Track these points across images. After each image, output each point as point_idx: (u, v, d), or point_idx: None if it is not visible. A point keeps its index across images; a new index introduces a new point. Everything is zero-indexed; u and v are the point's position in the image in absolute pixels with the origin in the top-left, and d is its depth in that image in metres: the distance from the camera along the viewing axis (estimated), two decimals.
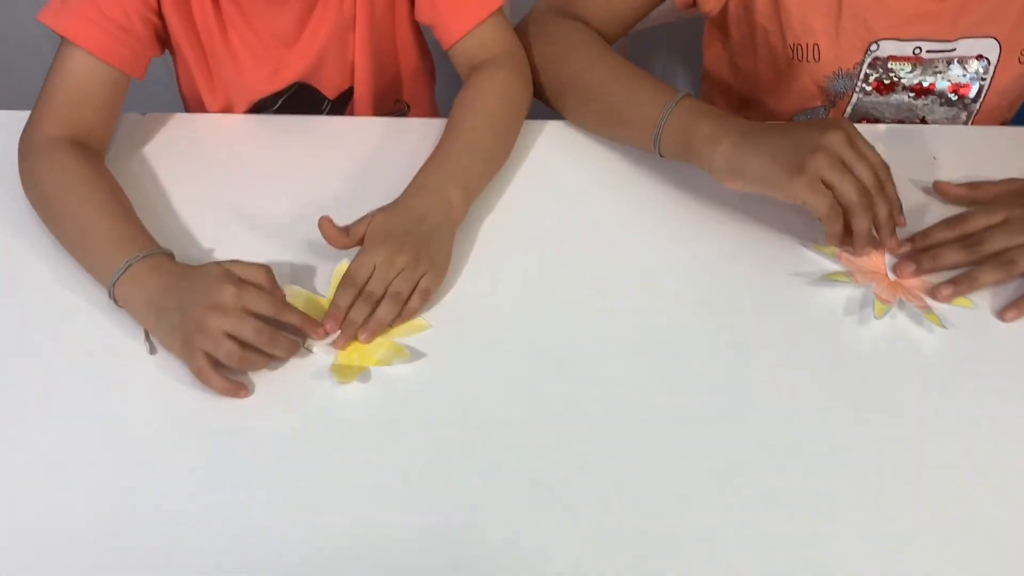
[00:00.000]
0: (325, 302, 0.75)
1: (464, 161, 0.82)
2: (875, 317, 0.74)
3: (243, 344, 0.69)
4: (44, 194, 0.80)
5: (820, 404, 0.70)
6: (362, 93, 1.01)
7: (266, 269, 0.73)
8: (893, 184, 0.75)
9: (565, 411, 0.69)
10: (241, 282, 0.71)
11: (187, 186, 0.86)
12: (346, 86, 1.01)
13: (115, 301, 0.74)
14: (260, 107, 0.99)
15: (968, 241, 0.77)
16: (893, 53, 0.91)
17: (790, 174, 0.72)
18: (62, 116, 0.83)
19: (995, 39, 0.90)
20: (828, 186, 0.72)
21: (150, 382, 0.71)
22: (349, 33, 0.96)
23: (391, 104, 1.08)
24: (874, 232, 0.75)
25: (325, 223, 0.76)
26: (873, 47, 0.91)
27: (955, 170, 0.86)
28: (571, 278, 0.78)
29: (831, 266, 0.78)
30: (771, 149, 0.74)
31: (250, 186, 0.86)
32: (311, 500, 0.64)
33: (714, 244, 0.80)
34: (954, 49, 0.91)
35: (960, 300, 0.76)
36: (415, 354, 0.73)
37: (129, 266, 0.73)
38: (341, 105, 1.03)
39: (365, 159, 0.89)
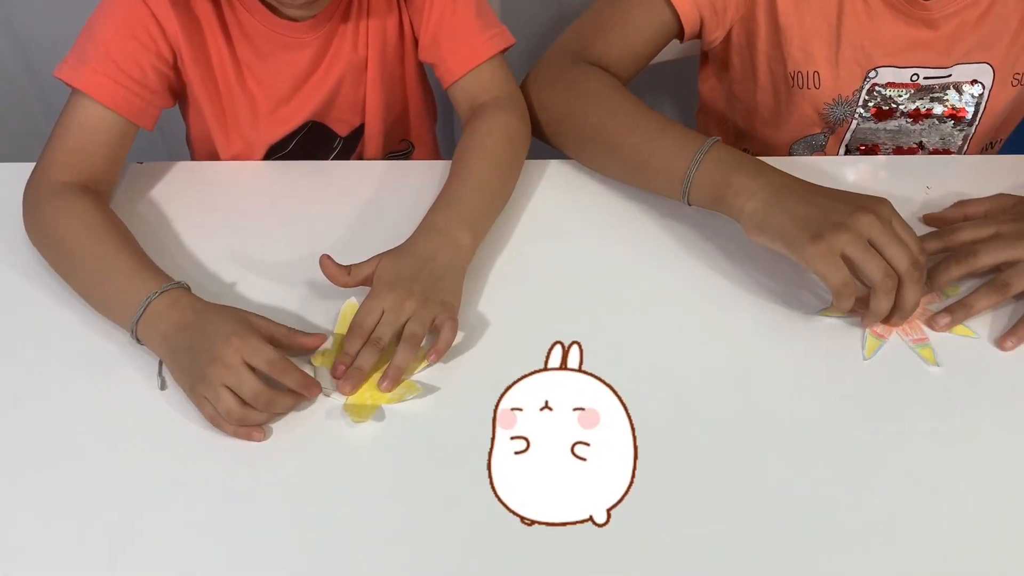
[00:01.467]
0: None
1: (471, 202, 0.82)
2: (864, 357, 0.74)
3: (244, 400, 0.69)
4: (56, 236, 0.80)
5: (817, 439, 0.69)
6: (373, 131, 1.02)
7: (285, 329, 0.73)
8: (920, 287, 0.72)
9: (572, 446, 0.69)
10: (249, 335, 0.70)
11: (190, 235, 0.86)
12: (357, 123, 1.02)
13: (136, 339, 0.74)
14: (274, 149, 1.00)
15: (960, 255, 0.76)
16: (891, 80, 0.92)
17: (809, 240, 0.70)
18: (72, 163, 0.83)
19: (988, 64, 0.92)
20: (848, 261, 0.70)
21: (159, 417, 0.71)
22: (362, 71, 0.97)
23: (396, 143, 1.09)
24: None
25: (326, 261, 0.76)
26: (872, 74, 0.92)
27: (948, 199, 0.86)
28: (574, 315, 0.78)
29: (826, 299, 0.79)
30: (800, 213, 0.72)
31: (252, 232, 0.86)
32: (324, 538, 0.64)
33: (712, 282, 0.80)
34: (950, 75, 0.92)
35: (960, 329, 0.76)
36: (427, 388, 0.73)
37: (148, 303, 0.73)
38: (352, 142, 1.04)
39: (368, 202, 0.89)
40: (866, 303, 0.72)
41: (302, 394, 0.70)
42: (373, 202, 0.89)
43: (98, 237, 0.78)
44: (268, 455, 0.69)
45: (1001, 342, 0.75)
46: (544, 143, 0.93)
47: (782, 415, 0.71)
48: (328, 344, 0.75)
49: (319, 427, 0.70)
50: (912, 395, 0.72)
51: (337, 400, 0.72)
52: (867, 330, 0.75)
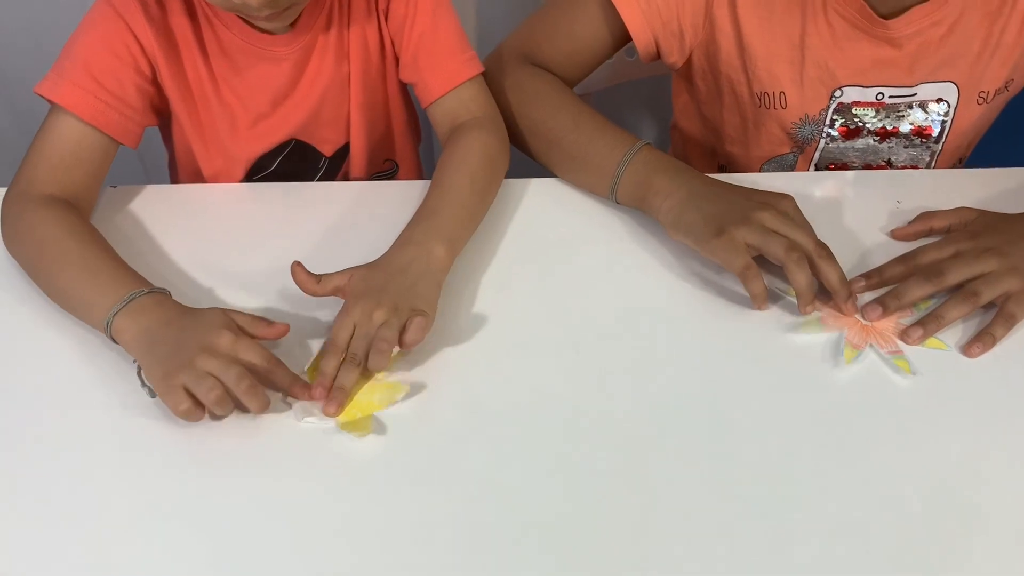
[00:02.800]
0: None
1: (447, 217, 0.83)
2: (845, 363, 0.74)
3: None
4: (40, 239, 0.80)
5: (797, 452, 0.69)
6: (357, 149, 1.03)
7: (266, 323, 0.74)
8: (836, 262, 0.76)
9: (553, 460, 0.69)
10: (240, 331, 0.72)
11: (164, 258, 0.86)
12: (342, 142, 1.03)
13: (110, 334, 0.74)
14: (258, 167, 1.01)
15: (928, 273, 0.77)
16: (857, 99, 0.94)
17: (713, 235, 0.76)
18: (54, 177, 0.84)
19: (953, 83, 0.93)
20: (753, 248, 0.75)
21: (159, 444, 0.70)
22: (345, 88, 0.98)
23: (381, 163, 1.10)
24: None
25: (297, 268, 0.77)
26: (837, 93, 0.93)
27: (920, 209, 0.87)
28: (555, 334, 0.78)
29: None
30: (709, 211, 0.78)
31: (227, 254, 0.86)
32: (330, 557, 0.63)
33: (695, 297, 0.81)
34: (915, 94, 0.94)
35: (933, 342, 0.76)
36: (414, 387, 0.73)
37: (132, 299, 0.73)
38: (337, 163, 1.05)
39: (347, 223, 0.89)
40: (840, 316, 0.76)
41: (292, 392, 0.71)
42: (352, 223, 0.90)
43: (85, 241, 0.79)
44: (269, 485, 0.68)
45: (967, 349, 0.75)
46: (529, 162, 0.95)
47: (764, 426, 0.71)
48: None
49: (317, 447, 0.70)
50: (888, 405, 0.72)
51: (329, 422, 0.71)
52: (844, 341, 0.75)
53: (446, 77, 0.93)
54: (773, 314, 0.79)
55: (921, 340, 0.76)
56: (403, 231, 0.82)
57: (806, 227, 0.78)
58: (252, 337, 0.73)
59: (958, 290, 0.77)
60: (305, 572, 0.62)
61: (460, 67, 0.93)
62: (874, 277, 0.80)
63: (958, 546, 0.64)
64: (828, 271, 0.75)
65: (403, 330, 0.73)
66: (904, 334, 0.76)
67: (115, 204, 0.91)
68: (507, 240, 0.88)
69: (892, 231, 0.86)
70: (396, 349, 0.73)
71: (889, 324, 0.77)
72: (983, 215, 0.83)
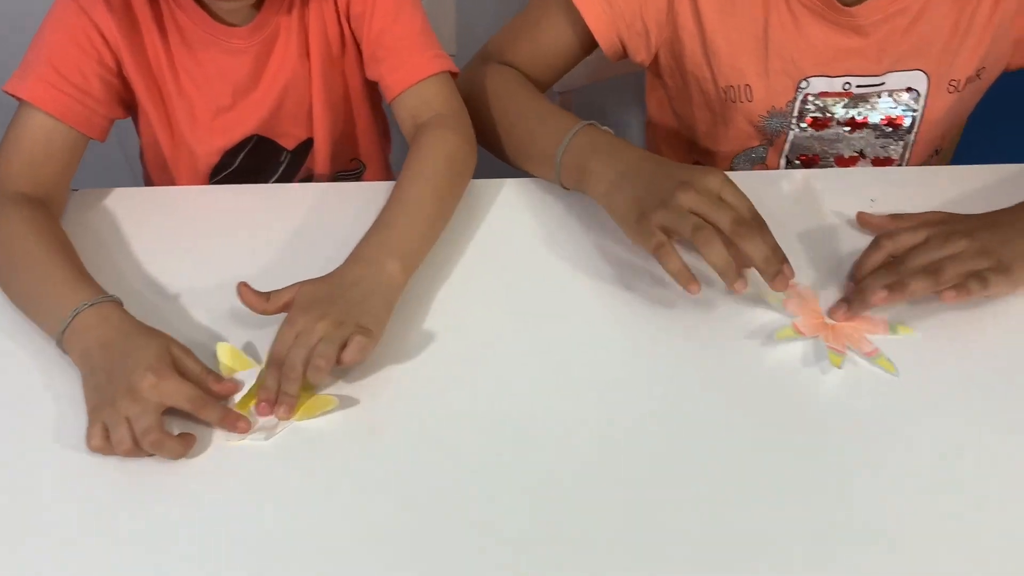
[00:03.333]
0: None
1: (403, 230, 0.79)
2: (834, 367, 0.72)
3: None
4: (5, 238, 0.79)
5: (790, 464, 0.67)
6: (321, 144, 1.02)
7: (202, 369, 0.71)
8: (768, 233, 0.72)
9: (509, 474, 0.66)
10: (166, 375, 0.68)
11: (126, 261, 0.84)
12: (304, 137, 1.01)
13: (63, 349, 0.73)
14: (224, 164, 1.00)
15: (892, 264, 0.75)
16: (824, 89, 0.92)
17: (634, 220, 0.74)
18: (24, 174, 0.83)
19: (922, 71, 0.91)
20: (668, 231, 0.72)
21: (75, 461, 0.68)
22: (306, 84, 0.96)
23: (347, 161, 1.08)
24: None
25: (243, 289, 0.75)
26: (803, 84, 0.92)
27: (893, 208, 0.85)
28: (523, 338, 0.76)
29: (781, 320, 0.76)
30: (633, 193, 0.76)
31: (189, 257, 0.84)
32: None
33: (669, 306, 0.78)
34: (883, 83, 0.92)
35: (903, 328, 0.74)
36: (369, 395, 0.71)
37: (77, 314, 0.72)
38: (299, 157, 1.04)
39: (311, 225, 0.87)
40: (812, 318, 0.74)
41: (189, 443, 0.67)
42: (316, 225, 0.88)
43: (45, 245, 0.78)
44: (195, 476, 0.67)
45: (943, 294, 0.72)
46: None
47: (753, 436, 0.68)
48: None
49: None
50: (878, 404, 0.70)
51: (259, 440, 0.69)
52: (827, 347, 0.73)
53: (406, 73, 0.90)
54: (753, 327, 0.75)
55: (886, 301, 0.72)
56: (357, 244, 0.79)
57: (731, 203, 0.72)
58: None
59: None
60: None
61: (422, 63, 0.90)
62: (857, 273, 0.77)
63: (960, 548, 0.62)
64: (747, 247, 0.70)
65: (343, 347, 0.70)
66: (872, 295, 0.73)
67: (80, 208, 0.90)
68: (474, 244, 0.85)
69: (858, 214, 0.83)
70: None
71: (856, 325, 0.75)
72: (951, 215, 0.80)
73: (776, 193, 0.88)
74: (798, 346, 0.74)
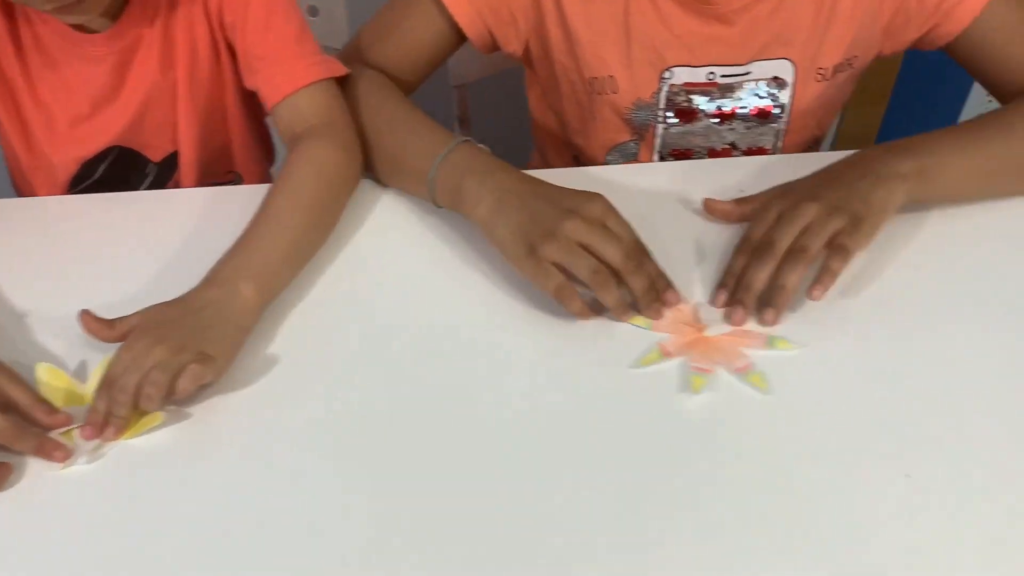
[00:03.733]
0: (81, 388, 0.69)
1: (264, 252, 0.74)
2: (693, 392, 0.67)
3: None
4: None
5: (654, 491, 0.62)
6: (188, 159, 0.97)
7: (30, 397, 0.66)
8: (651, 261, 0.72)
9: (350, 491, 0.62)
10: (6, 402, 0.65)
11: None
12: (170, 149, 0.97)
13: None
14: (83, 175, 0.96)
15: (761, 250, 0.72)
16: (687, 80, 0.90)
17: (524, 255, 0.70)
18: None
19: (789, 60, 0.90)
20: (561, 268, 0.69)
21: None
22: (171, 96, 0.93)
23: (222, 174, 1.04)
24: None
25: (85, 318, 0.70)
26: (667, 74, 0.90)
27: None
28: (371, 354, 0.71)
29: (646, 340, 0.71)
30: (517, 221, 0.72)
31: (43, 272, 0.80)
32: None
33: (534, 325, 0.73)
34: (748, 72, 0.90)
35: (781, 343, 0.70)
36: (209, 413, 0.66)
37: None
38: (168, 169, 1.00)
39: (184, 235, 0.82)
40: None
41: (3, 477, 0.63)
42: (190, 234, 0.82)
43: None
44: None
45: (809, 291, 0.71)
46: None
47: (613, 464, 0.63)
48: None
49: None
50: (747, 424, 0.65)
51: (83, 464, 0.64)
52: (690, 368, 0.68)
53: (280, 84, 0.86)
54: (612, 347, 0.71)
55: (777, 318, 0.70)
56: (214, 266, 0.74)
57: (617, 233, 0.70)
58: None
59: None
60: None
61: (296, 73, 0.86)
62: (728, 282, 0.74)
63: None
64: (633, 282, 0.70)
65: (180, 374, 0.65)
66: (761, 321, 0.71)
67: None
68: (353, 249, 0.80)
69: (705, 201, 0.81)
70: None
71: (732, 339, 0.71)
72: (788, 184, 0.79)
73: (649, 187, 0.85)
74: (664, 370, 0.69)
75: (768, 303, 0.71)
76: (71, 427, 0.66)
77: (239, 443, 0.66)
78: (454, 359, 0.71)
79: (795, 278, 0.70)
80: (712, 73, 0.90)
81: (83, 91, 0.90)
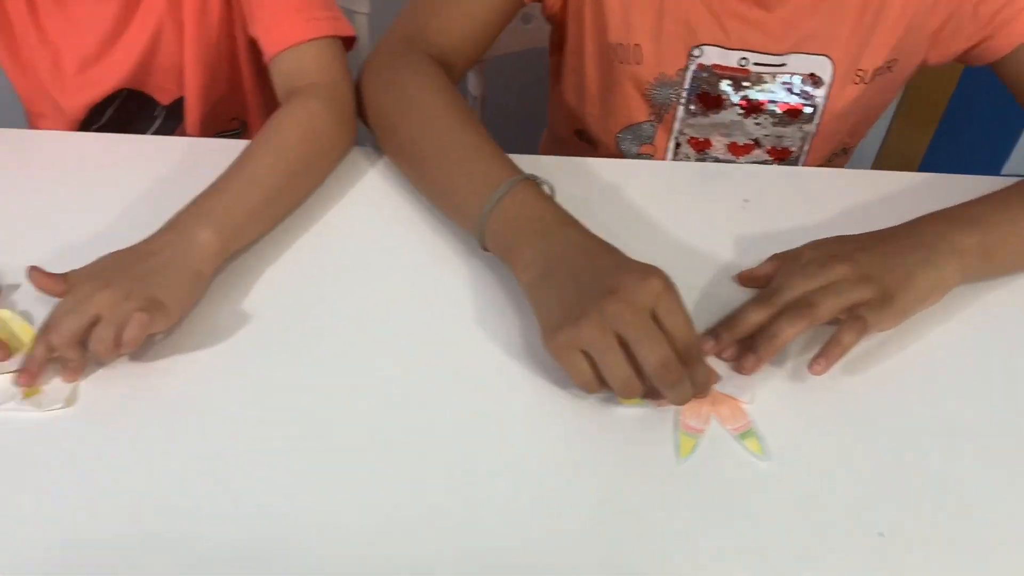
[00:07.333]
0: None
1: (232, 199, 0.69)
2: (680, 457, 0.57)
3: None
4: None
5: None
6: (192, 103, 0.93)
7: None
8: (701, 366, 0.58)
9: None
10: None
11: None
12: (179, 93, 0.93)
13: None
14: (91, 119, 0.93)
15: (765, 296, 0.63)
16: (717, 61, 0.82)
17: (552, 330, 0.58)
18: None
19: (827, 57, 0.82)
20: (589, 358, 0.57)
21: None
22: (178, 38, 0.88)
23: (227, 121, 0.99)
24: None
25: (34, 274, 0.63)
26: (696, 52, 0.82)
27: (767, 216, 0.75)
28: (348, 327, 0.65)
29: None
30: (560, 296, 0.60)
31: (50, 209, 0.75)
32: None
33: (519, 315, 0.66)
34: (783, 64, 0.82)
35: (752, 443, 0.58)
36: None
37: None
38: (175, 115, 0.95)
39: (180, 183, 0.74)
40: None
41: None
42: (186, 182, 0.73)
43: None
44: None
45: (811, 366, 0.60)
46: None
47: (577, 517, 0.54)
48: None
49: None
50: (740, 492, 0.56)
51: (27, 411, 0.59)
52: (679, 426, 0.59)
53: (280, 34, 0.80)
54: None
55: (756, 367, 0.60)
56: (176, 213, 0.67)
57: (668, 327, 0.57)
58: None
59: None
60: None
61: (301, 25, 0.79)
62: (724, 334, 0.63)
63: None
64: (669, 396, 0.57)
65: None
66: (738, 367, 0.61)
67: None
68: (323, 221, 0.74)
69: (739, 275, 0.69)
70: None
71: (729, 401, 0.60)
72: (834, 238, 0.67)
73: (653, 185, 0.78)
74: (648, 414, 0.60)
75: (751, 349, 0.61)
76: (9, 371, 0.61)
77: (200, 401, 0.60)
78: (433, 339, 0.64)
79: (790, 332, 0.60)
80: (744, 59, 0.82)
81: (91, 30, 0.87)
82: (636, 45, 0.82)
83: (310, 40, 0.79)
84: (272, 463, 0.56)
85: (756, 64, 0.82)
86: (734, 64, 0.82)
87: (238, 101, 0.98)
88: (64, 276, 0.63)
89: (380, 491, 0.55)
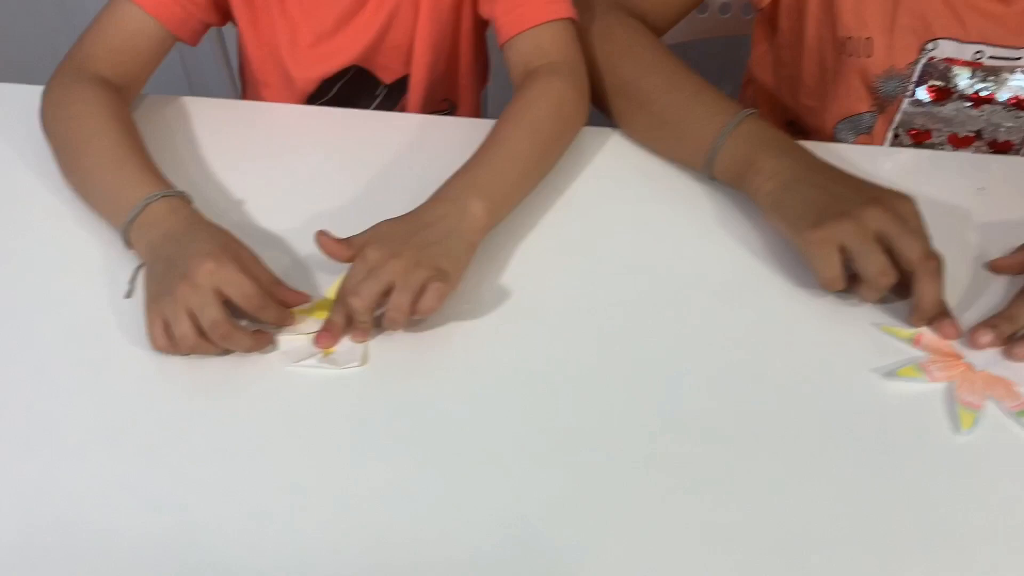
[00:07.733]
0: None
1: (494, 172, 0.73)
2: (962, 429, 0.59)
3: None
4: (77, 116, 0.76)
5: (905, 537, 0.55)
6: (417, 82, 0.97)
7: (270, 276, 0.67)
8: (937, 281, 0.63)
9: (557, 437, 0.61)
10: (226, 262, 0.64)
11: (205, 170, 0.81)
12: (403, 72, 0.97)
13: (127, 241, 0.70)
14: (318, 93, 0.97)
15: None
16: (951, 55, 0.83)
17: (810, 225, 0.64)
18: (106, 58, 0.81)
19: None
20: (848, 253, 0.63)
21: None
22: (412, 17, 0.92)
23: (439, 102, 1.03)
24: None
25: (323, 239, 0.68)
26: (930, 46, 0.83)
27: (1006, 204, 0.76)
28: (608, 295, 0.69)
29: (905, 352, 0.64)
30: (811, 197, 0.66)
31: (273, 176, 0.81)
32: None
33: (770, 299, 0.68)
34: (1020, 58, 0.82)
35: None
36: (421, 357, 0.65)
37: (147, 204, 0.69)
38: (396, 93, 0.99)
39: (401, 157, 0.82)
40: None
41: (262, 340, 0.65)
42: (406, 157, 0.82)
43: (119, 130, 0.75)
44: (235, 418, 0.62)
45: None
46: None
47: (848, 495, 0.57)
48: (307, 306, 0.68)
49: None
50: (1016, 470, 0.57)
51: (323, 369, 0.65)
52: (957, 401, 0.61)
53: (521, 15, 0.84)
54: (871, 355, 0.64)
55: None
56: (443, 184, 0.72)
57: (919, 234, 0.63)
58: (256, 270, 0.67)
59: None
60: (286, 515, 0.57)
61: (540, 6, 0.83)
62: (1002, 325, 0.63)
63: None
64: (926, 289, 0.62)
65: (420, 293, 0.64)
66: (1009, 352, 0.62)
67: (155, 112, 0.86)
68: (572, 194, 0.78)
69: (992, 262, 0.70)
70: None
71: (998, 378, 0.62)
72: None
73: (872, 170, 0.78)
74: (922, 389, 0.62)
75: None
76: (310, 332, 0.66)
77: (476, 365, 0.65)
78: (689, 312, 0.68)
79: None
80: (980, 52, 0.82)
81: (330, 7, 0.90)
82: (867, 38, 0.83)
83: (552, 21, 0.83)
84: (546, 428, 0.61)
85: (991, 58, 0.82)
86: (968, 57, 0.82)
87: (452, 82, 1.02)
88: (348, 241, 0.68)
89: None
